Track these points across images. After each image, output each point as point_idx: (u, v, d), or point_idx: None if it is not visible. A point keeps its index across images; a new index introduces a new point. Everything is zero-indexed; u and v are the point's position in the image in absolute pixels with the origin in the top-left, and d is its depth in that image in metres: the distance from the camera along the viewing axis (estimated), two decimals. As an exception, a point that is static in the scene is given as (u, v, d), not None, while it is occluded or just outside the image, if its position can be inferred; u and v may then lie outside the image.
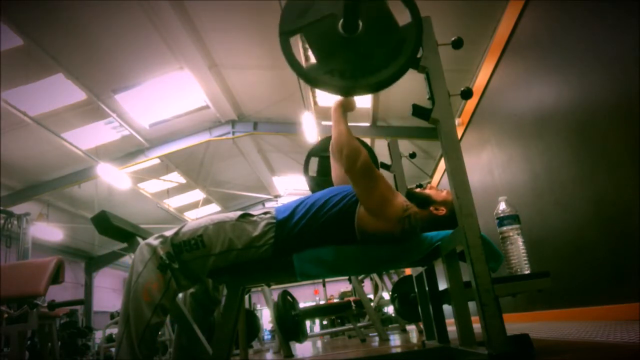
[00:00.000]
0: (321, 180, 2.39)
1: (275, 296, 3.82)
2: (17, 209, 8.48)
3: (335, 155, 1.47)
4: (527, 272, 1.34)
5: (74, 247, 12.41)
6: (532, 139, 3.34)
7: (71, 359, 5.99)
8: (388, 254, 1.50)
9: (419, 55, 1.31)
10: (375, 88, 1.31)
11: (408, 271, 4.27)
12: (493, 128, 4.30)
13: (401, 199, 1.48)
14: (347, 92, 1.38)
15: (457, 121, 5.18)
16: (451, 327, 1.64)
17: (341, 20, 1.28)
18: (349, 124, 1.55)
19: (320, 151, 2.41)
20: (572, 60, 2.68)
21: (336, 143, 1.49)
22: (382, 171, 2.55)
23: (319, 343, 6.51)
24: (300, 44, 5.71)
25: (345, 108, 1.59)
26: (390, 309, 6.57)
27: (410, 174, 2.99)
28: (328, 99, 7.32)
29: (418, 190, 1.65)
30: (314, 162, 2.45)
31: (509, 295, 1.27)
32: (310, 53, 1.33)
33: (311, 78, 1.29)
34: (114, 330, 6.47)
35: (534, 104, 3.26)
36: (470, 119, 4.91)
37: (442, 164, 6.81)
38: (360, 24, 1.28)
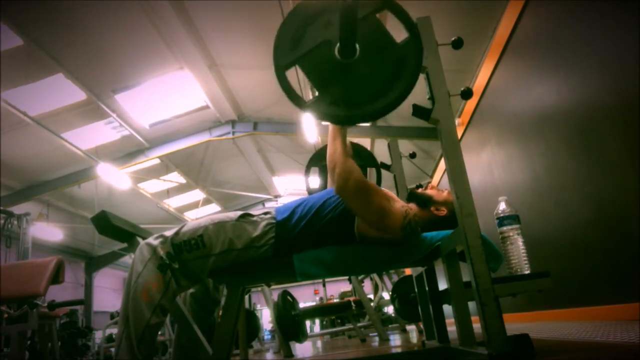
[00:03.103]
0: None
1: (275, 296, 3.82)
2: (17, 209, 8.47)
3: (329, 172, 1.46)
4: (527, 272, 1.34)
5: (74, 247, 12.41)
6: (532, 139, 3.34)
7: (71, 359, 5.98)
8: (388, 254, 1.50)
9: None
10: (383, 112, 1.25)
11: (408, 271, 4.27)
12: (493, 128, 4.30)
13: (399, 206, 1.47)
14: (357, 120, 1.29)
15: (457, 121, 5.18)
16: (451, 327, 1.64)
17: (337, 46, 1.22)
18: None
19: (320, 161, 2.41)
20: (572, 60, 2.68)
21: (330, 161, 1.46)
22: (382, 171, 2.57)
23: (319, 343, 6.51)
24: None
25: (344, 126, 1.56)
26: (390, 309, 6.57)
27: (410, 174, 2.99)
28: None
29: (419, 190, 1.65)
30: (315, 170, 2.45)
31: (509, 295, 1.27)
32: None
33: (316, 111, 1.24)
34: (114, 330, 6.47)
35: (534, 104, 3.26)
36: (470, 119, 4.91)
37: (442, 164, 6.80)
38: (357, 47, 1.23)
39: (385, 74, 1.25)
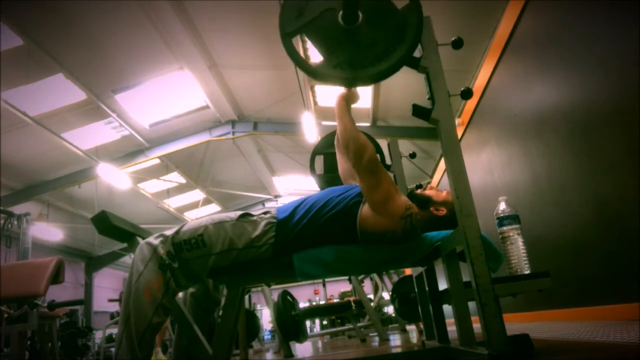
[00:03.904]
0: (329, 177, 2.39)
1: (275, 296, 3.82)
2: (17, 209, 8.48)
3: (342, 150, 1.47)
4: (527, 272, 1.33)
5: (74, 247, 12.41)
6: (532, 138, 3.34)
7: (71, 359, 5.99)
8: (388, 254, 1.50)
9: (419, 55, 1.31)
10: (386, 74, 1.29)
11: (408, 271, 4.27)
12: (493, 128, 4.30)
13: (404, 198, 1.48)
14: (361, 81, 1.36)
15: (457, 121, 5.18)
16: (451, 327, 1.64)
17: (340, 13, 1.28)
18: None
19: (325, 148, 2.41)
20: (572, 60, 2.68)
21: (342, 138, 1.47)
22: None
23: (319, 343, 6.51)
24: (300, 44, 5.72)
25: (349, 100, 1.57)
26: (390, 309, 6.57)
27: (410, 174, 2.99)
28: (328, 98, 7.32)
29: (419, 191, 1.64)
30: (320, 160, 2.45)
31: (509, 295, 1.27)
32: (310, 52, 1.33)
33: (321, 74, 1.30)
34: (114, 330, 6.47)
35: (534, 104, 3.26)
36: (470, 119, 4.91)
37: (442, 164, 6.80)
38: (360, 13, 1.28)
39: (387, 38, 1.30)
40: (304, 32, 1.30)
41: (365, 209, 1.46)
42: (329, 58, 1.29)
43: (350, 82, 1.37)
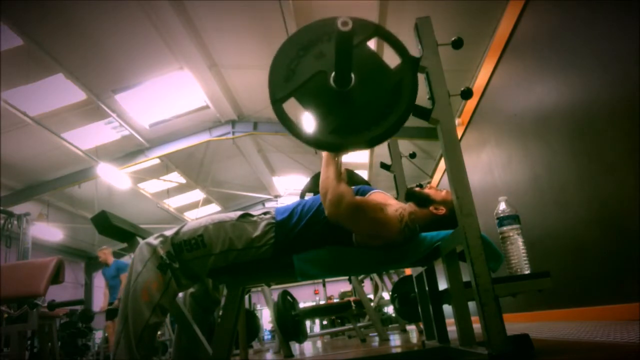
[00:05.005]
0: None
1: (275, 296, 3.82)
2: (17, 209, 8.47)
3: (321, 198, 1.45)
4: (527, 272, 1.33)
5: (74, 247, 12.40)
6: (532, 139, 3.34)
7: (71, 359, 5.99)
8: (388, 254, 1.50)
9: (419, 56, 1.31)
10: (383, 137, 1.24)
11: (408, 271, 4.27)
12: (493, 128, 4.30)
13: (392, 210, 1.46)
14: (358, 147, 1.29)
15: (457, 121, 5.18)
16: (451, 327, 1.64)
17: (332, 75, 1.22)
18: None
19: (315, 187, 2.39)
20: (572, 60, 2.68)
21: (321, 187, 1.46)
22: (382, 171, 2.56)
23: (319, 343, 6.51)
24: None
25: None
26: (390, 309, 6.57)
27: (410, 174, 2.99)
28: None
29: (417, 189, 1.65)
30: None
31: (509, 295, 1.27)
32: None
33: (316, 142, 1.24)
34: (114, 330, 6.46)
35: (534, 104, 3.26)
36: (470, 119, 4.91)
37: (442, 164, 6.80)
38: (353, 76, 1.22)
39: (382, 100, 1.25)
40: (295, 97, 1.24)
41: None
42: (323, 123, 1.23)
43: (347, 149, 1.31)
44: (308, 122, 1.27)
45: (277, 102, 1.24)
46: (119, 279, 6.06)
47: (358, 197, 1.46)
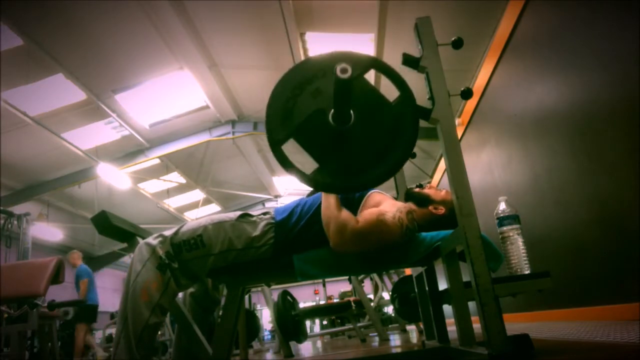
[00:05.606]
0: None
1: (275, 296, 3.82)
2: (17, 209, 8.47)
3: (324, 227, 1.45)
4: (527, 272, 1.33)
5: (74, 247, 12.35)
6: (532, 139, 3.34)
7: (71, 359, 5.99)
8: (388, 254, 1.50)
9: (419, 55, 1.31)
10: (387, 176, 1.23)
11: (408, 271, 4.27)
12: (493, 128, 4.30)
13: (390, 216, 1.44)
14: (362, 187, 1.28)
15: (457, 121, 5.18)
16: (451, 327, 1.64)
17: (331, 113, 1.19)
18: None
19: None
20: (572, 60, 2.68)
21: (323, 216, 1.45)
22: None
23: (319, 343, 6.51)
24: (300, 45, 5.72)
25: None
26: (390, 309, 6.57)
27: (410, 174, 2.99)
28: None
29: (417, 190, 1.64)
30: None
31: (509, 295, 1.27)
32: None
33: (317, 183, 1.21)
34: (114, 330, 6.47)
35: (534, 104, 3.26)
36: (470, 119, 4.90)
37: (442, 164, 6.80)
38: (352, 113, 1.20)
39: (382, 138, 1.23)
40: (294, 138, 1.21)
41: None
42: (324, 164, 1.21)
43: (351, 190, 1.30)
44: (308, 161, 1.24)
45: (276, 144, 1.20)
46: (79, 284, 6.10)
47: (359, 219, 1.44)
